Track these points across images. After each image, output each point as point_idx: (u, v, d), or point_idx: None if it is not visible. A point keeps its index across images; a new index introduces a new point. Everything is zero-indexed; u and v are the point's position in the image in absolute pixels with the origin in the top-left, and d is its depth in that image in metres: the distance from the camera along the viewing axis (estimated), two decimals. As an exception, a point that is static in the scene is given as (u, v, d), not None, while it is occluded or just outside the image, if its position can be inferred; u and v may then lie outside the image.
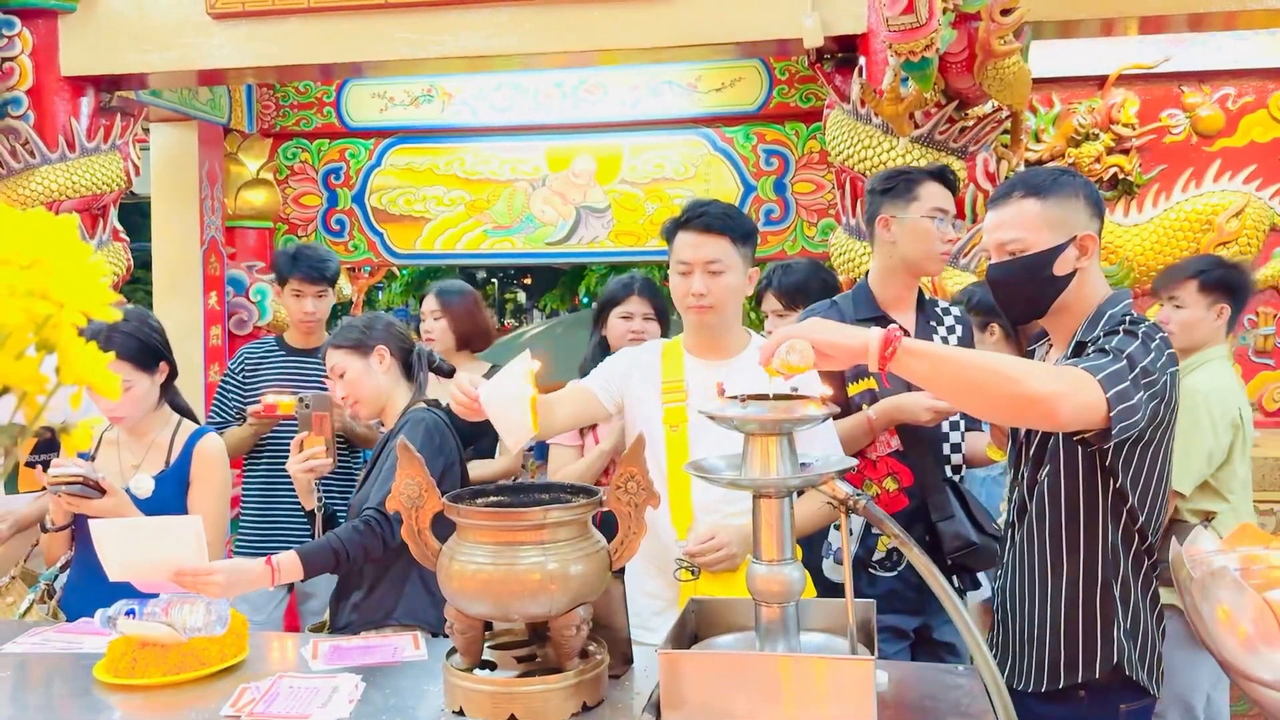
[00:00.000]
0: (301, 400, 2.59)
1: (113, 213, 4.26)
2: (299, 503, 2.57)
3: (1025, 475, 1.94)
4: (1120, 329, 1.76)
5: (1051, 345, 2.03)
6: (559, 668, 1.63)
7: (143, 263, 5.28)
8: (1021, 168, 4.00)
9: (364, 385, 2.45)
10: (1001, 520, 2.36)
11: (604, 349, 3.01)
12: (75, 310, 0.56)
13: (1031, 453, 1.91)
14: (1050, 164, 4.19)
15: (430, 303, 3.50)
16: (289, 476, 2.67)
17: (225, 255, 5.17)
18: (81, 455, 2.41)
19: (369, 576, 2.33)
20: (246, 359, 3.45)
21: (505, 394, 1.75)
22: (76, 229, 0.56)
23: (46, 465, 2.30)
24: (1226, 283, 2.90)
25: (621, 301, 3.03)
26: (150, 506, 2.32)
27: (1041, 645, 1.89)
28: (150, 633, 1.85)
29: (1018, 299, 1.91)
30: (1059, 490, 1.85)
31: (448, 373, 2.78)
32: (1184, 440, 2.78)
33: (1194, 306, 2.89)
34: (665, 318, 3.05)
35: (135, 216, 5.76)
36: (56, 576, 2.47)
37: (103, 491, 2.23)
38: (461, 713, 1.61)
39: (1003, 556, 2.06)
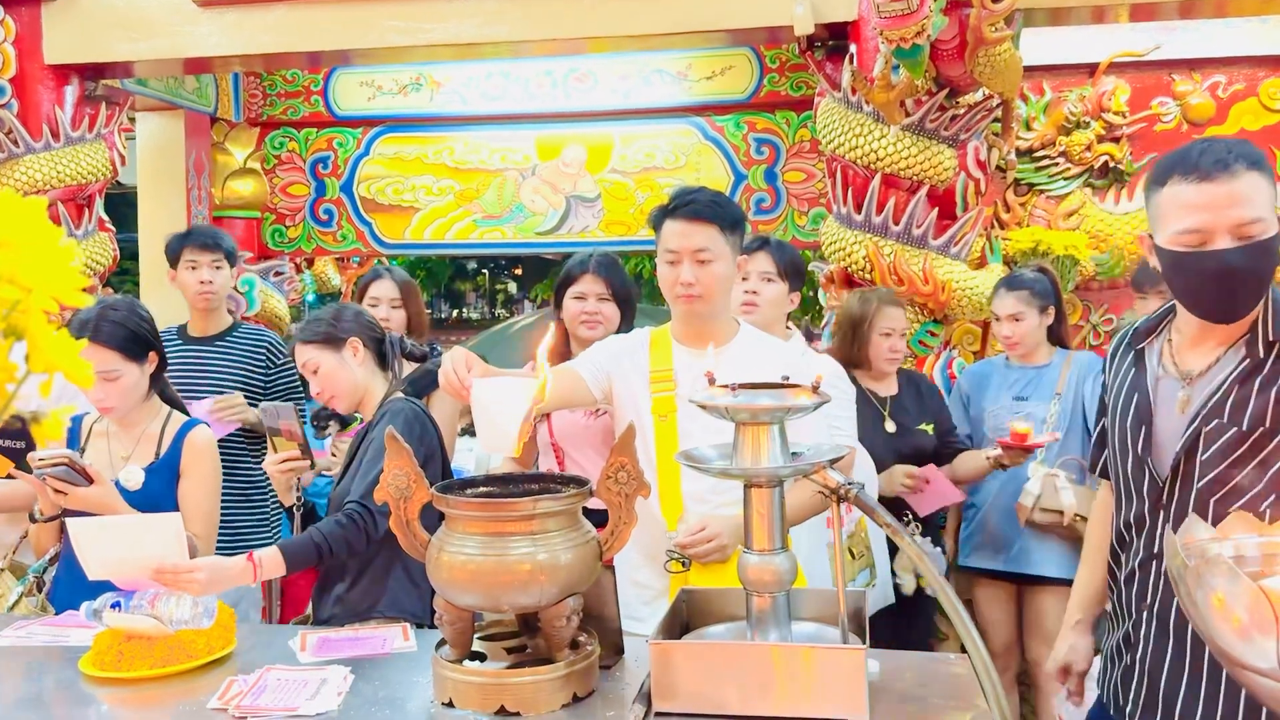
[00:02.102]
0: (265, 411, 2.60)
1: (98, 203, 4.23)
2: (253, 501, 2.53)
3: (1194, 512, 1.62)
4: None
5: (1166, 339, 1.73)
6: (549, 659, 1.62)
7: (130, 253, 5.24)
8: (1012, 156, 4.01)
9: (340, 380, 2.40)
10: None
11: (561, 336, 2.80)
12: (45, 295, 0.54)
13: (1227, 490, 1.61)
14: (1043, 150, 4.18)
15: (389, 290, 3.31)
16: (244, 476, 2.65)
17: (213, 245, 5.12)
18: (71, 446, 2.39)
19: (352, 569, 2.31)
20: None
21: (502, 403, 1.63)
22: (45, 212, 0.54)
23: (11, 452, 2.28)
24: None
25: (575, 281, 2.76)
26: (140, 498, 2.30)
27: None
28: (136, 625, 1.83)
29: (1251, 289, 1.59)
30: None
31: (419, 357, 2.76)
32: None
33: None
34: (626, 299, 2.81)
35: (121, 207, 5.72)
36: (45, 569, 2.45)
37: (89, 479, 2.21)
38: (451, 704, 1.60)
39: (1131, 599, 1.76)
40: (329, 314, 2.47)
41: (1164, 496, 1.66)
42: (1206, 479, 1.61)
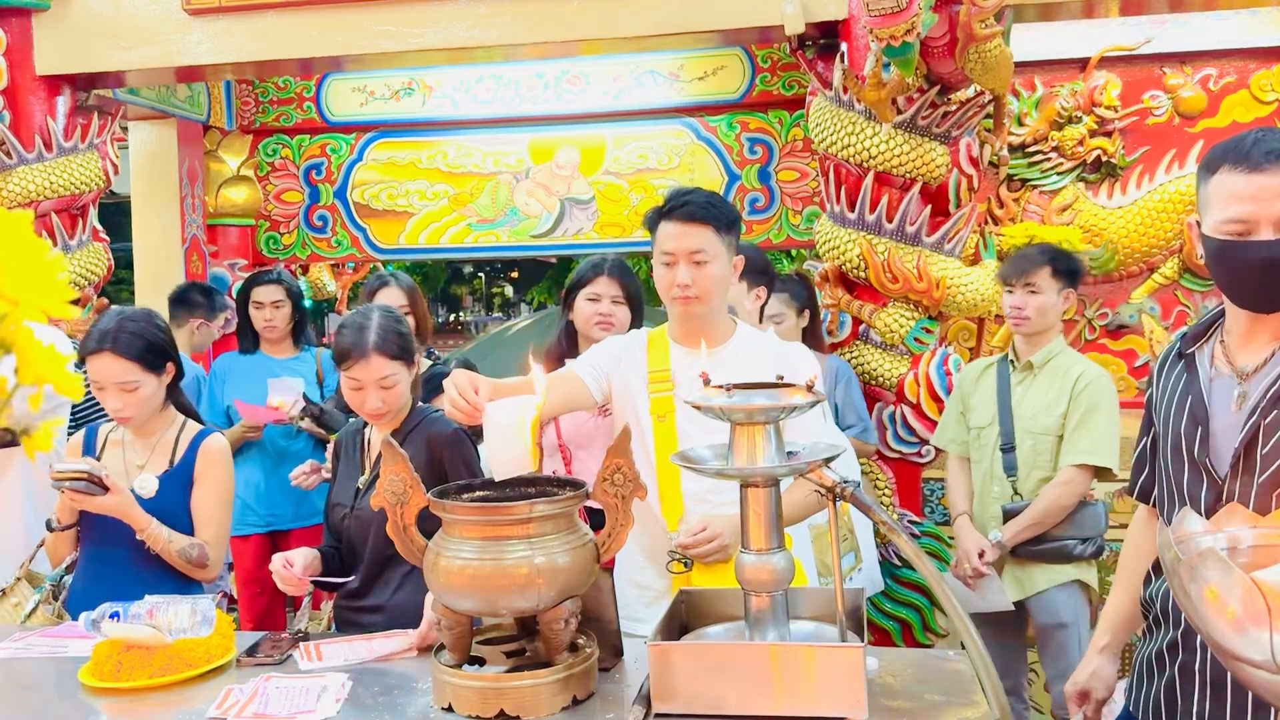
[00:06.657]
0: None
1: (92, 213, 4.22)
2: None
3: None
4: None
5: (1218, 340, 1.68)
6: (548, 662, 1.63)
7: (124, 263, 5.24)
8: (1005, 152, 4.01)
9: (404, 396, 2.27)
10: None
11: (570, 337, 2.85)
12: (32, 308, 0.54)
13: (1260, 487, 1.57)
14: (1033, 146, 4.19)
15: (397, 297, 3.30)
16: None
17: (207, 253, 5.13)
18: (87, 453, 2.40)
19: (396, 576, 2.23)
20: None
21: (515, 422, 1.62)
22: (31, 225, 0.54)
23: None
24: (1075, 270, 3.06)
25: (589, 282, 2.81)
26: (154, 506, 2.31)
27: None
28: (135, 635, 1.83)
29: None
30: None
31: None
32: (1112, 421, 2.87)
33: (1048, 292, 3.01)
34: (638, 303, 2.86)
35: (116, 216, 5.73)
36: (62, 577, 2.44)
37: (106, 489, 2.22)
38: (450, 709, 1.61)
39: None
40: (398, 324, 2.29)
41: (1222, 496, 1.59)
42: (1268, 473, 1.55)
